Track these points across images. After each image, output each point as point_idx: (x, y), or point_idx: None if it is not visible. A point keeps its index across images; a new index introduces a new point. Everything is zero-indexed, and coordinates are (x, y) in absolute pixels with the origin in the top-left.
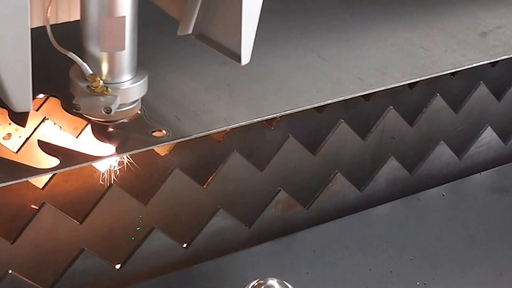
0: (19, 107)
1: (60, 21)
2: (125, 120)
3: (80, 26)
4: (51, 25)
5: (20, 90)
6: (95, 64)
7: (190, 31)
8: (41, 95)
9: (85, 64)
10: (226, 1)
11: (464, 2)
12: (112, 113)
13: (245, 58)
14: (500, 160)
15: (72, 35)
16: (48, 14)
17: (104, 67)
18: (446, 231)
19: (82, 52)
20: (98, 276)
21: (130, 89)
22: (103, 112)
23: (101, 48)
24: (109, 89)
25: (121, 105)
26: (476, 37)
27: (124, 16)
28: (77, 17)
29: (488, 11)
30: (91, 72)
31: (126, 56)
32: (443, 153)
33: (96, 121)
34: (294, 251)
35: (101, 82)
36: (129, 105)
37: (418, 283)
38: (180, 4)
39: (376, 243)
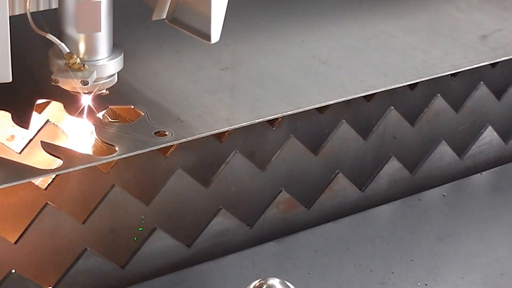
0: (0, 78)
1: (41, 9)
2: (104, 91)
3: (58, 10)
4: (32, 12)
5: (1, 62)
6: (73, 44)
7: (164, 16)
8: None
9: (62, 44)
10: None
11: (464, 7)
12: (89, 85)
13: (215, 37)
14: (501, 159)
15: (51, 20)
16: (28, 4)
17: (81, 47)
18: (447, 232)
19: (60, 34)
20: (101, 276)
21: (106, 64)
22: (80, 85)
23: (77, 30)
24: (85, 65)
25: (97, 79)
26: (477, 40)
27: (100, 1)
28: (56, 6)
29: (488, 15)
30: (68, 50)
31: (102, 36)
32: (444, 153)
33: (74, 93)
34: (295, 251)
35: (78, 59)
36: (106, 79)
37: (419, 284)
38: None
39: (377, 244)
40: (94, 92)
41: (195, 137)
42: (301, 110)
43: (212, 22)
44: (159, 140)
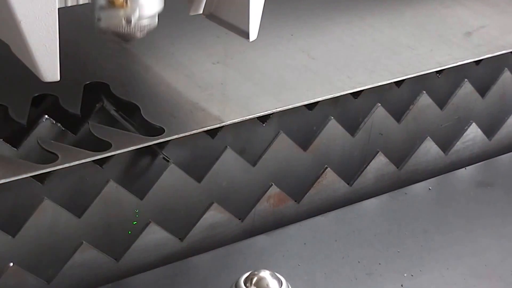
0: (48, 77)
1: None
2: (142, 35)
3: None
4: None
5: (49, 61)
6: None
7: (200, 11)
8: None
9: None
10: None
11: (449, 3)
12: (132, 24)
13: (253, 34)
14: (484, 155)
15: None
16: None
17: None
18: (432, 224)
19: None
20: (96, 269)
21: (149, 1)
22: (124, 23)
23: None
24: (128, 2)
25: (139, 19)
26: (461, 37)
27: None
28: None
29: (472, 11)
30: None
31: None
32: (429, 149)
33: (115, 38)
34: (285, 244)
35: None
36: (147, 19)
37: (405, 275)
38: None
39: (364, 236)
40: (135, 37)
41: (187, 133)
42: (290, 106)
43: (250, 18)
44: (153, 136)
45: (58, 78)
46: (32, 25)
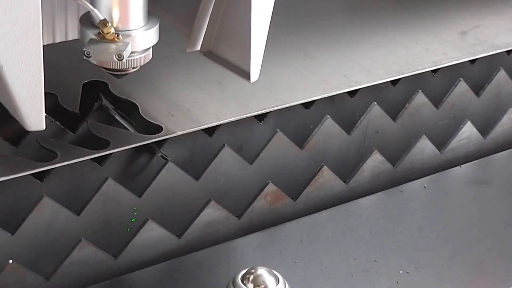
0: (32, 127)
1: None
2: (135, 70)
3: None
4: None
5: (33, 109)
6: (106, 11)
7: (198, 48)
8: None
9: (95, 10)
10: (235, 18)
11: (445, 2)
12: (124, 60)
13: (254, 75)
14: (479, 153)
15: None
16: None
17: (115, 14)
18: (428, 222)
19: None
20: (95, 266)
21: (142, 36)
22: (115, 59)
23: None
24: (120, 36)
25: (132, 53)
26: (456, 36)
27: None
28: None
29: (467, 11)
30: (102, 17)
31: (136, 2)
32: (425, 147)
33: (107, 72)
34: (282, 241)
35: (113, 28)
36: (140, 53)
37: (401, 272)
38: (188, 21)
39: (360, 233)
40: (128, 71)
41: (185, 132)
42: (287, 105)
43: (252, 56)
44: (151, 134)
45: (44, 127)
46: (15, 70)
